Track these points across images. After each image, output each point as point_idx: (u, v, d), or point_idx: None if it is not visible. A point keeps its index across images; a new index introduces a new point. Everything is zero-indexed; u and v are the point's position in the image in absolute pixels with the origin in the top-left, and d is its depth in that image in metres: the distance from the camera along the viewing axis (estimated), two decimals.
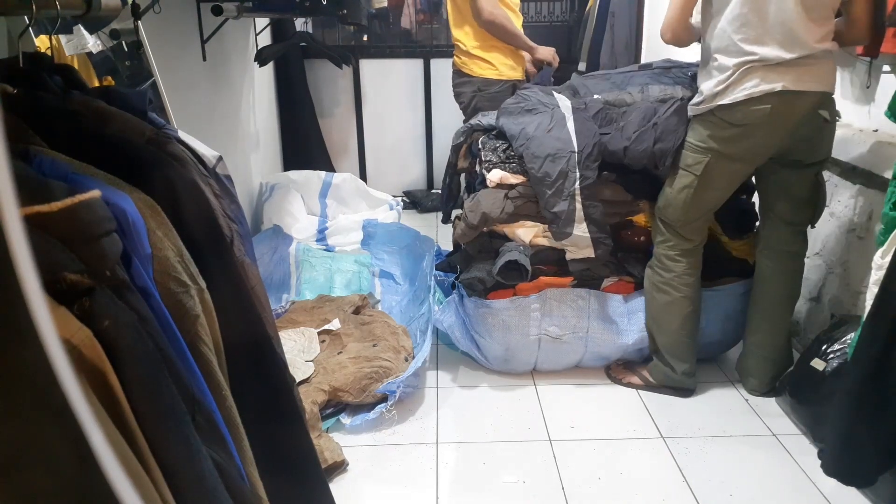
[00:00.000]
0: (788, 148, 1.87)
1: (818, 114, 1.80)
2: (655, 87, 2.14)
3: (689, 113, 1.95)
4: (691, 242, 2.03)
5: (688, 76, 2.15)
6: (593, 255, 2.14)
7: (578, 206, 2.08)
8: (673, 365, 2.11)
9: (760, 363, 2.13)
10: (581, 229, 2.09)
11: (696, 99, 1.91)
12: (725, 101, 1.79)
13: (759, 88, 1.74)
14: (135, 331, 0.62)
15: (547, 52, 2.91)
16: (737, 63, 1.75)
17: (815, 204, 1.99)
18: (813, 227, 2.05)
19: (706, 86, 1.84)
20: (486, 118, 2.40)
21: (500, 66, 2.87)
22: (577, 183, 2.07)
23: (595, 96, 2.20)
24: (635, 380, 2.20)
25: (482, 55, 2.86)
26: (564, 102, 2.20)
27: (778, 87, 1.73)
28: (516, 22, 2.84)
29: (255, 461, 0.88)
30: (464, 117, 3.00)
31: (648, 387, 2.18)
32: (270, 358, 1.00)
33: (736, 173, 1.94)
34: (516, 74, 2.91)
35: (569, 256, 2.16)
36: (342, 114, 4.37)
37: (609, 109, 2.13)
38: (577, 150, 2.08)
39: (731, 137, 1.84)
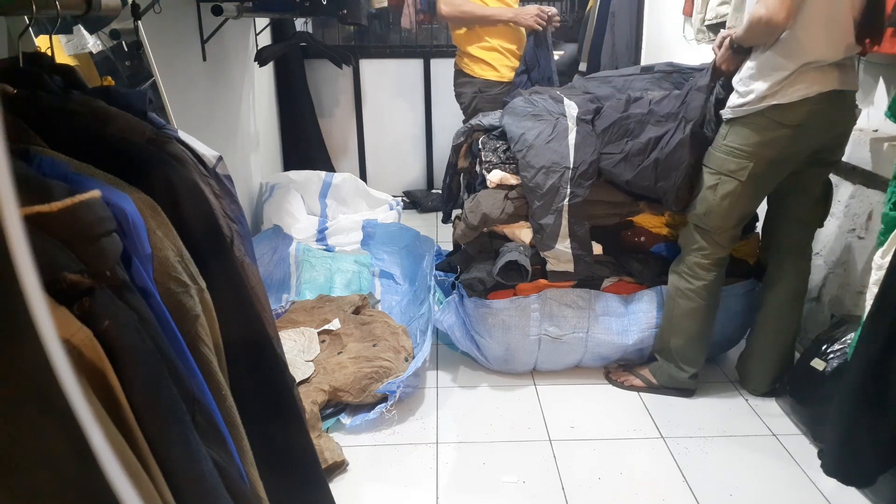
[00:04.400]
0: (823, 146, 1.87)
1: (853, 112, 1.84)
2: (657, 92, 2.13)
3: (729, 115, 1.87)
4: (725, 250, 2.01)
5: (687, 81, 2.15)
6: (572, 271, 2.14)
7: (564, 222, 2.08)
8: (684, 367, 2.11)
9: (764, 364, 2.13)
10: (564, 244, 2.10)
11: (737, 100, 1.84)
12: (782, 100, 1.75)
13: (813, 89, 1.73)
14: (135, 331, 0.62)
15: (527, 17, 2.74)
16: (796, 63, 1.72)
17: (827, 202, 2.02)
18: (822, 226, 2.06)
19: (757, 86, 1.78)
20: (487, 118, 2.40)
21: (500, 68, 2.87)
22: (567, 200, 2.07)
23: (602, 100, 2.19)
24: (637, 382, 2.19)
25: (482, 56, 2.86)
26: (571, 111, 2.17)
27: (828, 87, 1.74)
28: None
29: (255, 461, 0.88)
30: (464, 117, 3.01)
31: (651, 388, 2.17)
32: (270, 358, 1.00)
33: (778, 175, 1.91)
34: (511, 75, 2.91)
35: (549, 267, 2.17)
36: (342, 114, 4.37)
37: (625, 120, 2.07)
38: (572, 166, 2.07)
39: (780, 138, 1.80)
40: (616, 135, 2.08)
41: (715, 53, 1.97)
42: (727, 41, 1.88)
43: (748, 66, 1.82)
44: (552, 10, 2.83)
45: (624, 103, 2.13)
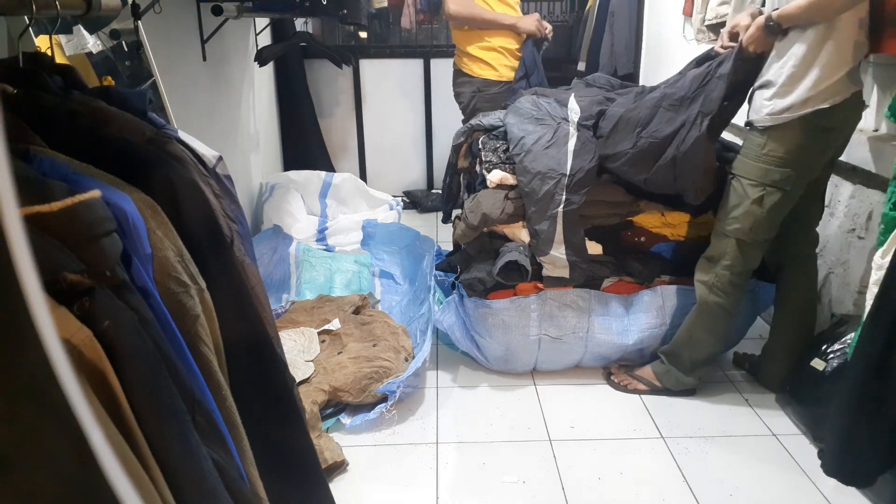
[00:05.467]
0: (839, 147, 1.89)
1: (862, 111, 1.85)
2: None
3: (768, 122, 1.79)
4: (758, 261, 1.99)
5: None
6: (568, 277, 2.14)
7: (559, 228, 2.07)
8: (694, 373, 2.12)
9: (788, 361, 2.11)
10: (559, 251, 2.09)
11: (776, 106, 1.76)
12: (825, 104, 1.71)
13: (849, 90, 1.73)
14: (135, 331, 0.62)
15: (529, 23, 2.83)
16: (844, 64, 1.70)
17: (823, 200, 2.04)
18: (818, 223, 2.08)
19: (800, 90, 1.72)
20: (487, 118, 2.40)
21: (499, 68, 2.88)
22: (561, 206, 2.05)
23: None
24: (640, 387, 2.17)
25: (482, 56, 2.87)
26: (574, 116, 2.14)
27: (856, 88, 1.74)
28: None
29: (255, 461, 0.88)
30: (463, 117, 3.02)
31: (654, 391, 2.17)
32: (270, 358, 1.00)
33: (809, 180, 1.89)
34: (511, 74, 2.92)
35: (545, 273, 2.16)
36: (342, 114, 4.37)
37: (633, 111, 2.02)
38: (568, 173, 2.05)
39: (821, 142, 1.79)
40: (626, 129, 2.02)
41: (725, 41, 1.91)
42: (760, 20, 1.77)
43: (789, 70, 1.73)
44: (549, 25, 2.90)
45: (634, 96, 2.10)
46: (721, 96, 1.85)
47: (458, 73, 2.98)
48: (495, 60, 2.87)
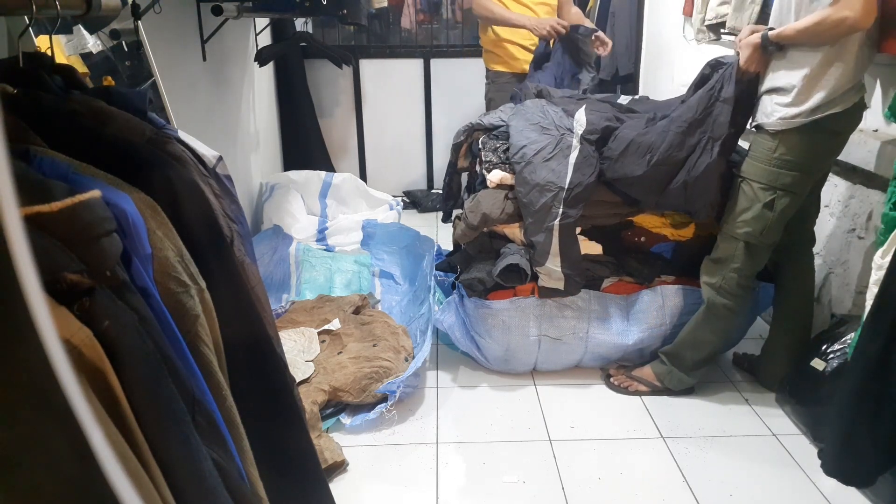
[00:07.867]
0: None
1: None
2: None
3: (779, 126, 1.78)
4: (763, 265, 2.00)
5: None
6: (562, 289, 2.13)
7: (555, 241, 2.06)
8: (698, 371, 2.12)
9: (784, 360, 2.12)
10: (555, 263, 2.09)
11: (790, 110, 1.76)
12: (839, 109, 1.72)
13: (860, 94, 1.74)
14: (135, 331, 0.62)
15: (541, 25, 2.77)
16: (862, 71, 1.71)
17: (820, 200, 2.05)
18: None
19: (817, 95, 1.72)
20: (487, 117, 2.40)
21: (509, 61, 3.01)
22: (558, 220, 2.05)
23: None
24: (641, 388, 2.17)
25: (492, 49, 3.03)
26: (578, 128, 2.12)
27: (864, 93, 1.75)
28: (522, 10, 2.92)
29: (255, 461, 0.88)
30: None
31: (655, 391, 2.17)
32: (270, 358, 1.00)
33: (813, 182, 1.91)
34: (523, 66, 2.99)
35: (540, 283, 2.16)
36: (342, 114, 4.37)
37: (644, 136, 1.99)
38: (567, 186, 2.04)
39: (832, 146, 1.82)
40: (637, 154, 1.99)
41: (737, 52, 1.88)
42: (757, 41, 1.77)
43: (805, 79, 1.73)
44: (562, 23, 2.78)
45: (645, 122, 2.07)
46: (728, 120, 1.86)
47: (486, 72, 3.14)
48: (505, 53, 2.99)
